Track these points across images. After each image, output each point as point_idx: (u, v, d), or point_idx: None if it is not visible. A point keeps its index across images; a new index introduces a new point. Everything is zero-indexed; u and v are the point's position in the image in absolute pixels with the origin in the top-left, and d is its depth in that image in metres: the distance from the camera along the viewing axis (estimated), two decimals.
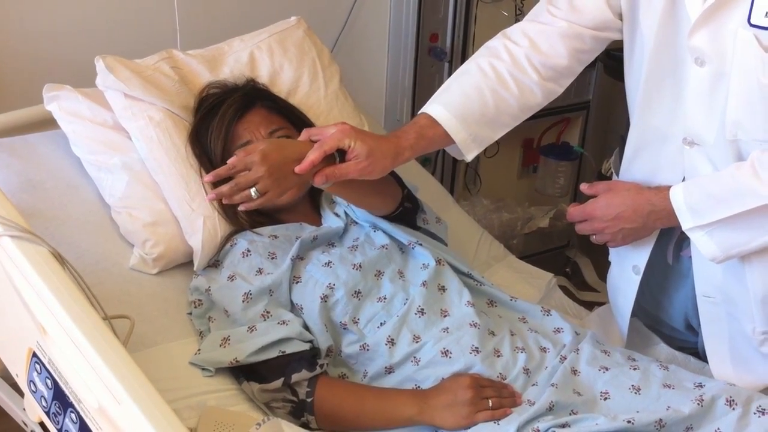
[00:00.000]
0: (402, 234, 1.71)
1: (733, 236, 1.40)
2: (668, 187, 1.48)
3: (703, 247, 1.43)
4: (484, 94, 1.60)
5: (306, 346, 1.53)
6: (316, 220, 1.77)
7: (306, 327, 1.58)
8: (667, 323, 1.79)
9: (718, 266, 1.52)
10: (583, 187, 1.60)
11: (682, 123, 1.50)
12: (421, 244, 1.69)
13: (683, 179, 1.52)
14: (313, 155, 1.43)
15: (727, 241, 1.41)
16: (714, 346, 1.62)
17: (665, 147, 1.55)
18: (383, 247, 1.68)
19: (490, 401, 1.44)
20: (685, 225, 1.43)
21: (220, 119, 1.73)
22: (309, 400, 1.48)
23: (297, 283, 1.62)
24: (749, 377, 1.56)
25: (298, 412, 1.49)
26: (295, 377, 1.49)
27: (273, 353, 1.51)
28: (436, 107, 1.59)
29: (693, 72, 1.44)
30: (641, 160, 1.61)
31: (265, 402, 1.51)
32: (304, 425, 1.50)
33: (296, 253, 1.63)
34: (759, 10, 1.32)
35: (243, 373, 1.54)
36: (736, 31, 1.36)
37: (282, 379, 1.49)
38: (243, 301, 1.58)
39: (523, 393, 1.50)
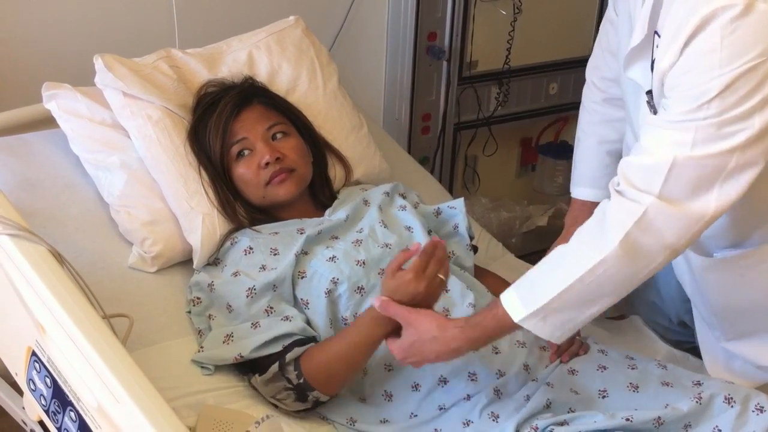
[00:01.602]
0: (423, 238, 1.71)
1: (564, 315, 1.34)
2: (463, 320, 1.43)
3: (539, 332, 1.35)
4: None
5: (307, 341, 1.54)
6: (316, 216, 1.77)
7: (308, 323, 1.58)
8: (660, 322, 1.81)
9: (685, 276, 1.57)
10: (378, 306, 1.44)
11: None
12: None
13: None
14: None
15: (559, 320, 1.35)
16: (706, 345, 1.63)
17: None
18: (386, 245, 1.68)
19: (441, 276, 1.44)
20: (516, 317, 1.35)
21: (217, 117, 1.73)
22: (302, 380, 1.48)
23: (302, 278, 1.62)
24: (741, 379, 1.57)
25: (301, 395, 1.49)
26: (288, 356, 1.50)
27: (276, 348, 1.51)
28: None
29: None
30: None
31: (272, 395, 1.51)
32: (316, 403, 1.50)
33: (300, 249, 1.63)
34: (655, 56, 1.33)
35: (249, 368, 1.55)
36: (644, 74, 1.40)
37: (277, 363, 1.50)
38: (247, 296, 1.59)
39: (523, 388, 1.50)
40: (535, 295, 1.34)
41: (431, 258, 1.44)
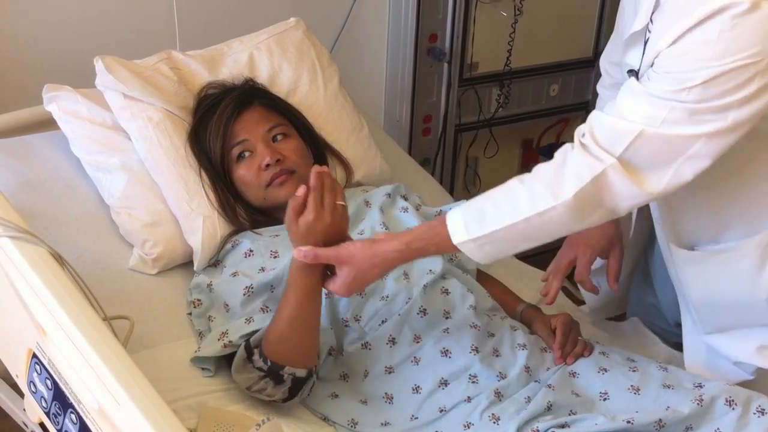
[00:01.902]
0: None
1: (500, 246, 1.40)
2: (403, 243, 1.44)
3: (471, 254, 1.41)
4: None
5: None
6: None
7: None
8: (659, 324, 1.81)
9: (671, 269, 1.60)
10: (305, 257, 1.42)
11: None
12: None
13: None
14: None
15: (494, 250, 1.40)
16: (690, 339, 1.65)
17: None
18: None
19: (338, 203, 1.44)
20: (456, 239, 1.39)
21: (218, 118, 1.73)
22: (269, 362, 1.46)
23: None
24: (717, 375, 1.58)
25: (276, 376, 1.46)
26: (254, 341, 1.48)
27: None
28: None
29: None
30: None
31: (250, 387, 1.49)
32: (295, 380, 1.47)
33: None
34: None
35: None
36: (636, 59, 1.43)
37: (243, 345, 1.49)
38: (244, 294, 1.59)
39: (523, 390, 1.50)
40: (481, 223, 1.37)
41: (322, 190, 1.44)
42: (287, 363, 1.46)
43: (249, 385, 1.49)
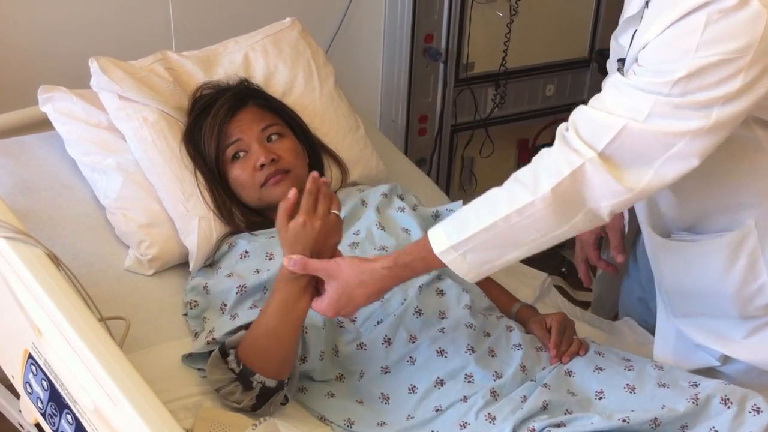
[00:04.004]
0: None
1: (484, 255, 1.35)
2: (390, 259, 1.41)
3: (457, 268, 1.36)
4: None
5: None
6: None
7: None
8: (649, 321, 1.82)
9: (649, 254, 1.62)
10: (294, 266, 1.40)
11: None
12: None
13: None
14: None
15: (478, 260, 1.36)
16: (662, 323, 1.67)
17: None
18: (384, 248, 1.68)
19: (332, 211, 1.43)
20: (438, 248, 1.35)
21: (212, 119, 1.73)
22: (241, 366, 1.46)
23: None
24: (684, 362, 1.60)
25: (245, 381, 1.45)
26: (227, 342, 1.48)
27: None
28: None
29: None
30: None
31: (219, 389, 1.48)
32: (263, 389, 1.45)
33: None
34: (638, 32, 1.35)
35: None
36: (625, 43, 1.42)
37: (217, 348, 1.48)
38: (237, 293, 1.58)
39: (519, 390, 1.50)
40: (461, 229, 1.34)
41: (318, 196, 1.42)
42: (258, 370, 1.45)
43: (219, 386, 1.48)
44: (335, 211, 1.43)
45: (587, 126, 1.31)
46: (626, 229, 1.79)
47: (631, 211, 1.74)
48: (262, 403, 1.47)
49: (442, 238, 1.36)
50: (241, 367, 1.45)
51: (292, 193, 1.42)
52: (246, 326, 1.50)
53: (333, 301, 1.40)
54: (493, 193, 1.36)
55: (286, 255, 1.41)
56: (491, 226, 1.32)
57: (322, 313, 1.42)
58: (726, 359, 1.57)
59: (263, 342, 1.45)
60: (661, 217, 1.56)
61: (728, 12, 1.18)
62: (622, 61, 1.40)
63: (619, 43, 1.48)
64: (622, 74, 1.37)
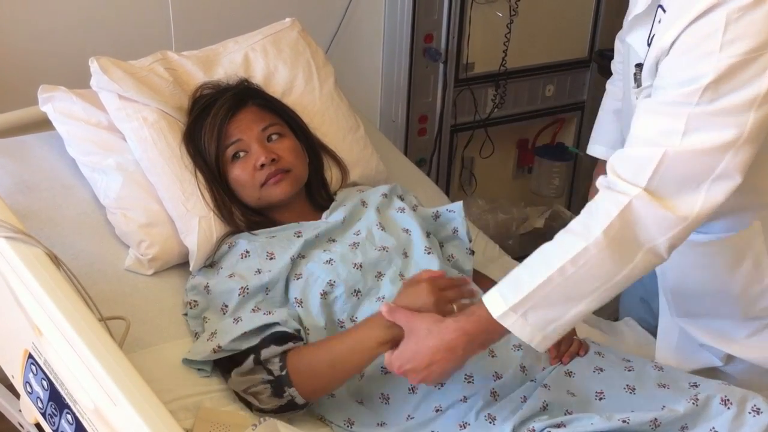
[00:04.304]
0: (421, 240, 1.71)
1: (546, 314, 1.30)
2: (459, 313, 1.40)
3: (519, 332, 1.31)
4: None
5: (288, 330, 1.52)
6: (313, 218, 1.77)
7: (300, 321, 1.57)
8: (650, 321, 1.82)
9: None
10: (384, 310, 1.42)
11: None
12: (430, 252, 1.70)
13: None
14: None
15: (541, 320, 1.30)
16: (664, 324, 1.67)
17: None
18: (384, 248, 1.68)
19: (454, 306, 1.43)
20: (496, 312, 1.30)
21: (212, 119, 1.73)
22: (284, 372, 1.47)
23: (297, 279, 1.62)
24: (686, 362, 1.60)
25: (278, 389, 1.47)
26: (264, 353, 1.48)
27: (255, 341, 1.51)
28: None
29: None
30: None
31: (245, 389, 1.49)
32: (291, 404, 1.47)
33: (297, 252, 1.63)
34: (654, 30, 1.33)
35: (224, 368, 1.54)
36: (639, 47, 1.39)
37: (252, 356, 1.49)
38: (239, 295, 1.58)
39: (519, 390, 1.50)
40: (516, 289, 1.30)
41: (456, 285, 1.45)
42: (297, 384, 1.47)
43: (246, 387, 1.49)
44: (455, 307, 1.43)
45: (626, 166, 1.28)
46: None
47: None
48: (282, 411, 1.48)
49: (498, 302, 1.31)
50: (284, 373, 1.46)
51: (463, 279, 1.47)
52: (252, 332, 1.51)
53: (400, 350, 1.38)
54: (544, 247, 1.32)
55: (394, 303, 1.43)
56: (546, 281, 1.27)
57: (388, 363, 1.40)
58: (729, 359, 1.57)
59: (321, 367, 1.47)
60: None
61: (747, 9, 1.16)
62: (639, 66, 1.38)
63: (626, 42, 1.46)
64: (640, 80, 1.35)
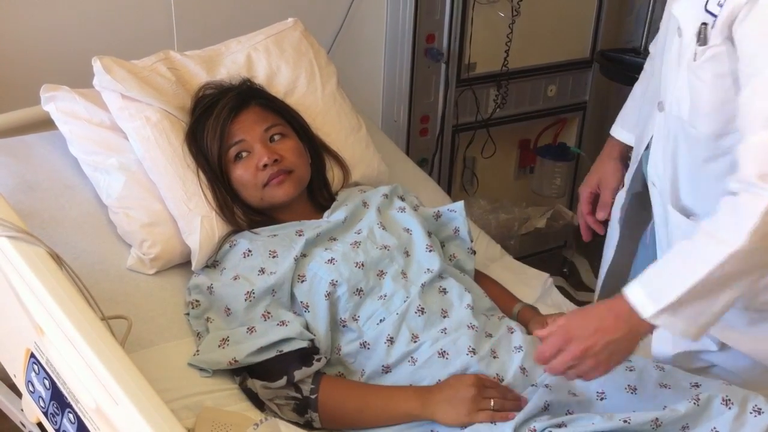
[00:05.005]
0: (423, 239, 1.72)
1: (694, 308, 1.28)
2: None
3: (671, 328, 1.31)
4: None
5: (305, 344, 1.54)
6: (314, 217, 1.77)
7: (307, 326, 1.58)
8: None
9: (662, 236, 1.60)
10: (540, 332, 1.40)
11: (661, 88, 1.53)
12: (432, 250, 1.70)
13: (648, 144, 1.59)
14: None
15: (691, 314, 1.29)
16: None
17: (647, 109, 1.60)
18: (385, 247, 1.68)
19: (492, 401, 1.44)
20: (646, 313, 1.29)
21: (215, 119, 1.73)
22: (313, 396, 1.49)
23: (302, 281, 1.62)
24: (683, 346, 1.59)
25: (302, 409, 1.49)
26: (298, 375, 1.50)
27: (271, 353, 1.51)
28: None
29: (675, 40, 1.45)
30: (639, 125, 1.66)
31: (269, 399, 1.51)
32: (308, 423, 1.50)
33: (300, 252, 1.63)
34: None
35: (245, 370, 1.55)
36: (696, 12, 1.35)
37: (285, 377, 1.50)
38: (246, 300, 1.59)
39: (521, 392, 1.50)
40: (664, 290, 1.28)
41: (505, 395, 1.46)
42: (321, 412, 1.49)
43: (272, 397, 1.51)
44: (490, 408, 1.44)
45: (753, 160, 1.22)
46: (620, 189, 1.78)
47: (646, 202, 1.72)
48: (298, 426, 1.50)
49: (646, 303, 1.29)
50: (313, 397, 1.48)
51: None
52: (267, 347, 1.52)
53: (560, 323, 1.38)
54: (688, 248, 1.30)
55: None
56: (696, 284, 1.26)
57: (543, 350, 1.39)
58: (723, 346, 1.56)
59: (350, 409, 1.49)
60: (684, 196, 1.53)
61: None
62: (705, 25, 1.32)
63: (672, 14, 1.42)
64: (705, 37, 1.31)
